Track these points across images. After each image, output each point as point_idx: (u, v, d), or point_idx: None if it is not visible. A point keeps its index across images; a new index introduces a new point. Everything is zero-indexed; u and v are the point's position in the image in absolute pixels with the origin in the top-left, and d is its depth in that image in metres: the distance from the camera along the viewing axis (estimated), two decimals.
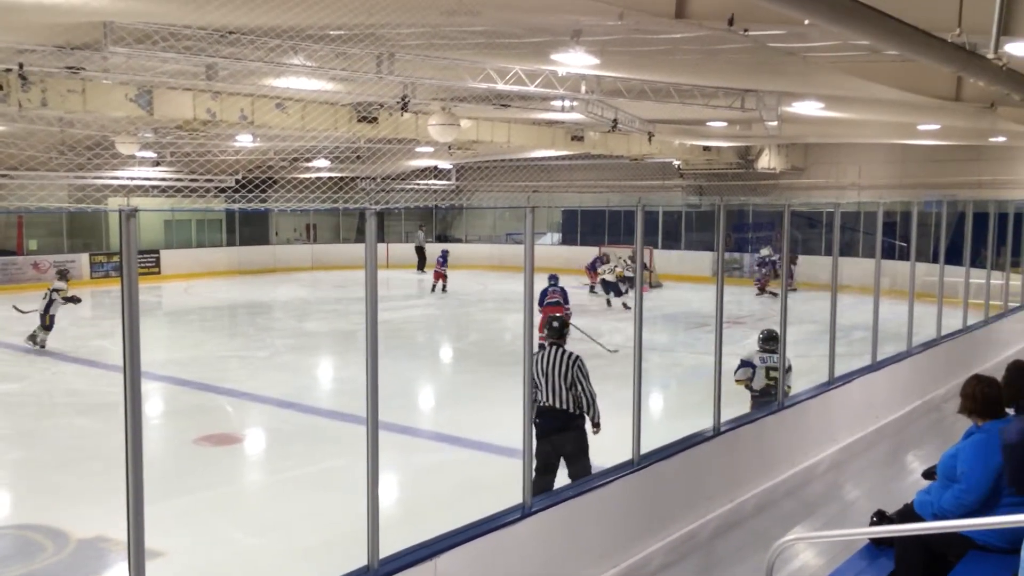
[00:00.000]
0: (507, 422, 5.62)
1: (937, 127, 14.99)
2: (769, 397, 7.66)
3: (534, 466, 6.19)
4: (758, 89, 12.30)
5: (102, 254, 25.66)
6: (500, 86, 11.10)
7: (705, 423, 6.55)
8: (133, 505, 3.21)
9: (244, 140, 17.42)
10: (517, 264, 5.46)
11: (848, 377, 8.57)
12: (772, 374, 7.76)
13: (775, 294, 21.61)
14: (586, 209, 29.76)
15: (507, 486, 5.03)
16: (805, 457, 7.62)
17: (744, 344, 8.31)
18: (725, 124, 16.70)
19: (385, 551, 4.07)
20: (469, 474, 8.14)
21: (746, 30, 6.37)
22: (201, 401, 11.15)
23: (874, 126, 16.64)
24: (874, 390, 8.98)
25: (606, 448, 6.30)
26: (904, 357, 9.79)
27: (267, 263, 29.16)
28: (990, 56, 5.16)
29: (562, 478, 6.27)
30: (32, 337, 14.46)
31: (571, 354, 6.39)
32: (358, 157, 20.30)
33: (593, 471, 6.13)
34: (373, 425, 4.03)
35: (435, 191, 29.72)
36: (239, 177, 22.71)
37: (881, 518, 4.83)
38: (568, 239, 30.12)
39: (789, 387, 7.74)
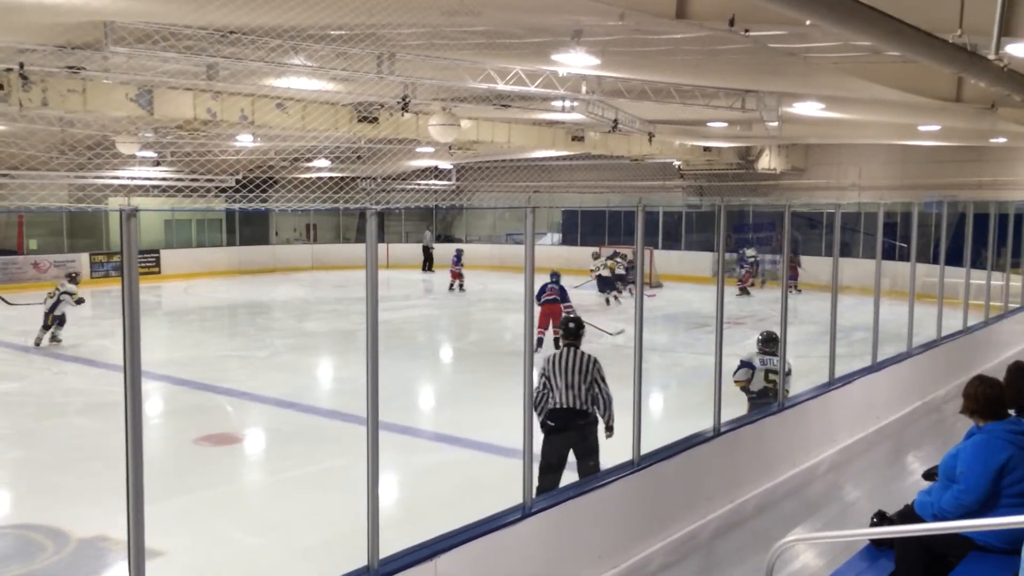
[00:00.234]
0: (507, 422, 5.61)
1: (938, 128, 14.98)
2: (767, 399, 7.63)
3: (540, 465, 6.21)
4: (759, 90, 12.30)
5: (102, 254, 25.66)
6: (501, 86, 11.10)
7: (705, 424, 6.54)
8: (133, 505, 3.21)
9: (244, 140, 17.42)
10: (517, 264, 5.46)
11: (848, 378, 8.56)
12: (771, 376, 7.74)
13: (748, 293, 22.10)
14: (586, 209, 29.76)
15: (507, 486, 5.02)
16: (805, 458, 7.62)
17: (744, 345, 8.30)
18: (726, 125, 16.70)
19: (385, 551, 4.07)
20: (469, 474, 8.13)
21: (747, 31, 6.37)
22: (201, 401, 11.15)
23: (875, 127, 16.64)
24: (874, 391, 8.98)
25: (606, 448, 6.31)
26: (904, 358, 9.79)
27: (267, 263, 29.16)
28: (991, 57, 5.16)
29: (566, 477, 6.27)
30: (53, 337, 14.69)
31: (589, 355, 6.36)
32: (358, 157, 20.30)
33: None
34: (373, 425, 4.03)
35: (435, 191, 29.72)
36: (239, 177, 22.72)
37: (881, 519, 4.82)
38: (568, 239, 30.11)
39: (787, 391, 7.72)
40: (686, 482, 6.22)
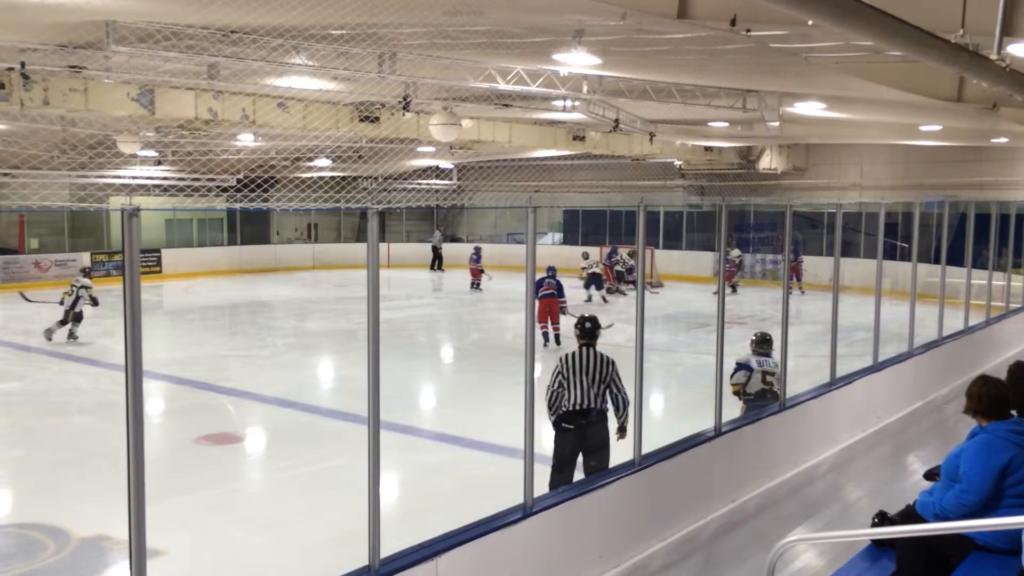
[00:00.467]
0: (509, 422, 5.61)
1: (939, 128, 14.97)
2: (764, 401, 7.56)
3: (553, 463, 6.20)
4: (760, 89, 12.29)
5: (103, 253, 25.67)
6: (502, 86, 11.10)
7: (706, 423, 6.54)
8: (134, 504, 3.21)
9: (246, 139, 17.44)
10: (518, 264, 5.46)
11: (849, 378, 8.56)
12: (768, 378, 7.69)
13: (735, 291, 22.10)
14: (587, 209, 29.77)
15: (508, 486, 5.03)
16: (806, 458, 7.62)
17: (744, 345, 8.29)
18: (727, 124, 16.69)
19: (386, 551, 4.07)
20: (470, 474, 8.14)
21: (748, 31, 6.36)
22: (202, 400, 11.15)
23: (876, 127, 16.63)
24: (875, 391, 8.97)
25: (611, 448, 6.30)
26: (905, 358, 9.78)
27: (268, 262, 29.16)
28: (993, 57, 5.16)
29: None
30: (71, 334, 14.76)
31: (606, 356, 6.33)
32: (359, 157, 20.31)
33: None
34: (375, 424, 4.03)
35: (437, 191, 29.74)
36: (240, 176, 22.74)
37: (883, 519, 4.81)
38: (569, 239, 30.10)
39: (776, 391, 7.64)
40: (687, 482, 6.22)
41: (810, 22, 4.86)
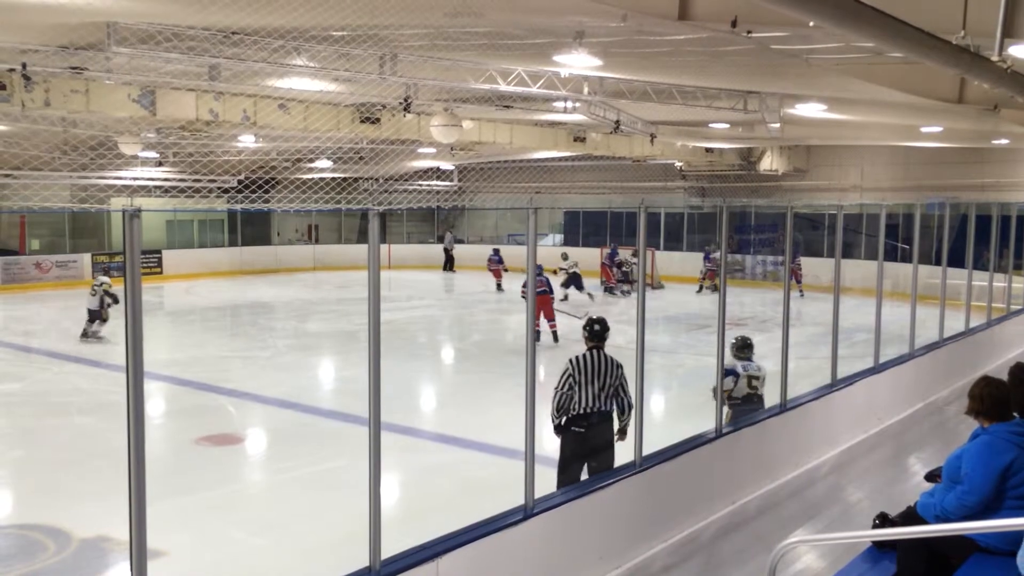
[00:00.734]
0: (509, 423, 5.61)
1: (940, 129, 14.97)
2: (751, 405, 7.53)
3: (560, 462, 6.19)
4: (761, 91, 12.29)
5: (104, 254, 25.67)
6: (502, 87, 11.11)
7: (707, 425, 6.54)
8: (135, 504, 3.21)
9: (246, 141, 17.44)
10: (519, 265, 5.45)
11: (850, 379, 8.55)
12: (753, 382, 7.68)
13: (716, 290, 22.04)
14: (588, 210, 29.77)
15: (509, 487, 5.02)
16: (807, 459, 7.61)
17: None
18: (727, 126, 16.69)
19: (387, 552, 4.07)
20: (471, 475, 8.13)
21: (749, 32, 6.37)
22: (203, 401, 11.15)
23: (877, 128, 16.63)
24: (876, 392, 8.97)
25: None
26: (906, 359, 9.78)
27: (269, 264, 29.17)
28: (994, 58, 5.16)
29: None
30: (93, 333, 14.92)
31: (614, 359, 6.31)
32: (360, 158, 20.32)
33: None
34: (375, 425, 4.03)
35: (437, 192, 29.74)
36: (241, 178, 22.73)
37: (884, 520, 4.81)
38: (570, 240, 30.11)
39: (761, 395, 7.60)
40: (688, 483, 6.21)
41: (811, 23, 4.86)
